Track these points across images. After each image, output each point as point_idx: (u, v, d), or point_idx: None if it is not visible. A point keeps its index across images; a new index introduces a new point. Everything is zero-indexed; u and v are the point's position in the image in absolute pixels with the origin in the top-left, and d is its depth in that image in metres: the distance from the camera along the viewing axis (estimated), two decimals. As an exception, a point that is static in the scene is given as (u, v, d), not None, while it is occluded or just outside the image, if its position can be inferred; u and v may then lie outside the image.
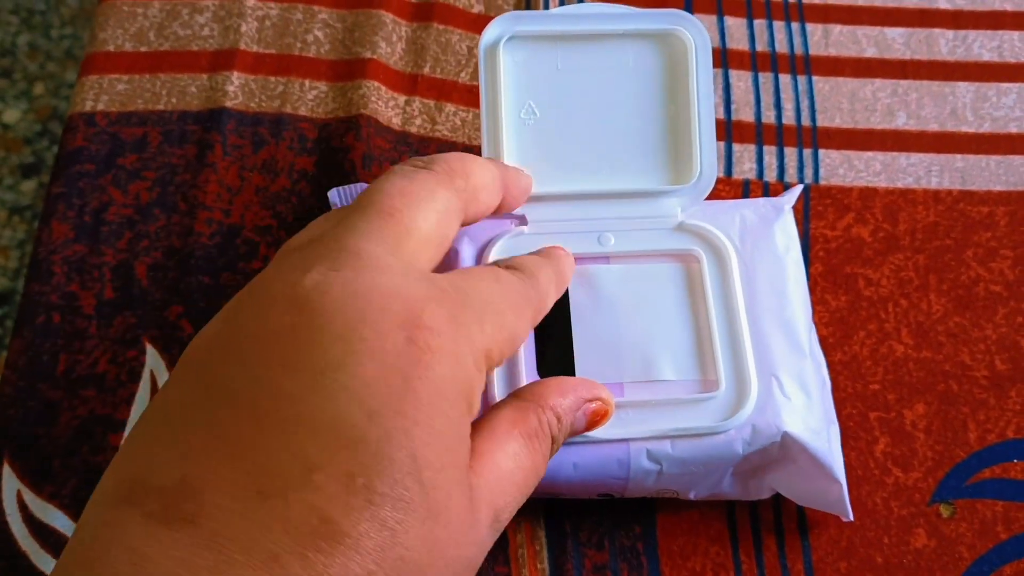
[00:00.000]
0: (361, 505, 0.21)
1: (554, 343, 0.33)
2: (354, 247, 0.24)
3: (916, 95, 0.44)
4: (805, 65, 0.45)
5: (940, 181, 0.42)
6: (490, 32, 0.34)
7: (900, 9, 0.46)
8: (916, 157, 0.43)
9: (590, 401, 0.29)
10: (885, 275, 0.40)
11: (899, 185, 0.42)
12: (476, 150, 0.41)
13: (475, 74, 0.43)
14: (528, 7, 0.46)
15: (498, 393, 0.32)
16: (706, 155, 0.35)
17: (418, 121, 0.42)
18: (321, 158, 0.41)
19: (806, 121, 0.43)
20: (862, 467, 0.37)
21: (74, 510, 0.35)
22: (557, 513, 0.35)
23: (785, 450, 0.33)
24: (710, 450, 0.32)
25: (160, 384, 0.37)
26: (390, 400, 0.22)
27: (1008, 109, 0.44)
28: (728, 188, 0.42)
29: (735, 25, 0.45)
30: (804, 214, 0.41)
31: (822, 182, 0.42)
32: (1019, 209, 0.42)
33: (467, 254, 0.34)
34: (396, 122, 0.42)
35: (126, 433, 0.36)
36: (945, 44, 0.45)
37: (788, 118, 0.43)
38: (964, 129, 0.43)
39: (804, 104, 0.44)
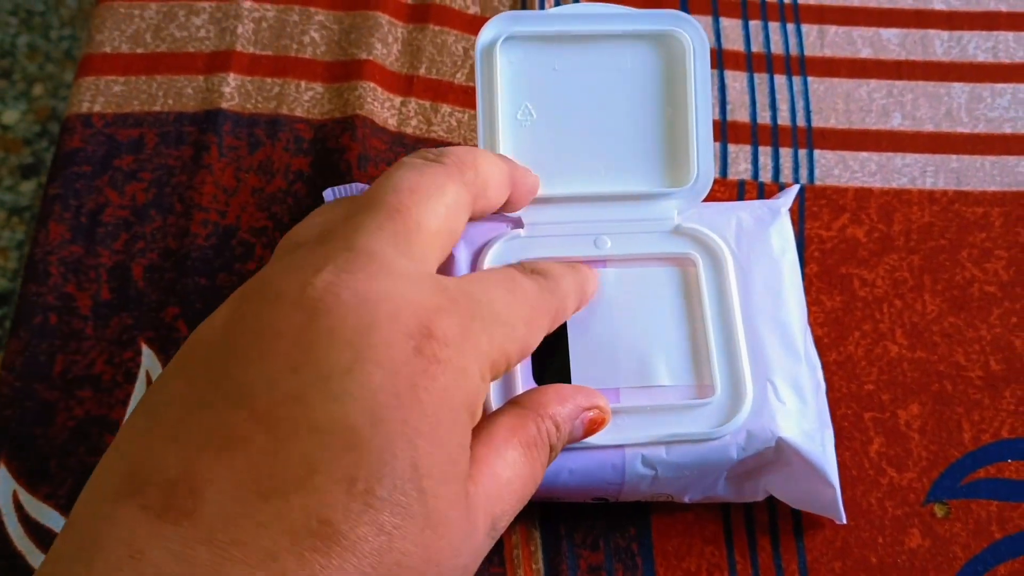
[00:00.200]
0: (360, 509, 0.21)
1: (550, 348, 0.33)
2: (365, 247, 0.24)
3: (911, 96, 0.44)
4: (800, 66, 0.45)
5: (935, 182, 0.42)
6: (486, 33, 0.34)
7: (895, 10, 0.46)
8: (911, 158, 0.43)
9: (588, 409, 0.29)
10: (880, 275, 0.40)
11: (894, 186, 0.42)
12: (472, 151, 0.41)
13: (471, 75, 0.44)
14: (524, 8, 0.46)
15: (495, 399, 0.32)
16: (703, 157, 0.35)
17: (414, 122, 0.43)
18: (317, 159, 0.41)
19: (801, 122, 0.43)
20: (857, 467, 0.37)
21: (70, 511, 0.35)
22: (552, 515, 0.35)
23: (779, 454, 0.33)
24: (705, 455, 0.32)
25: (156, 385, 0.37)
26: (395, 409, 0.22)
27: (1003, 110, 0.44)
28: (723, 189, 0.42)
29: (730, 26, 0.45)
30: (799, 215, 0.41)
31: (817, 183, 0.42)
32: (1014, 210, 0.42)
33: (462, 257, 0.34)
34: (392, 123, 0.42)
35: (122, 434, 0.36)
36: (940, 45, 0.45)
37: (783, 119, 0.43)
38: (959, 130, 0.44)
39: (799, 105, 0.44)
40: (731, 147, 0.43)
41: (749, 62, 0.45)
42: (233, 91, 0.42)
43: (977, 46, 0.45)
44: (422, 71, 0.44)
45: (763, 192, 0.42)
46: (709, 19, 0.45)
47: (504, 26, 0.34)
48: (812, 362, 0.35)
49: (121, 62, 0.43)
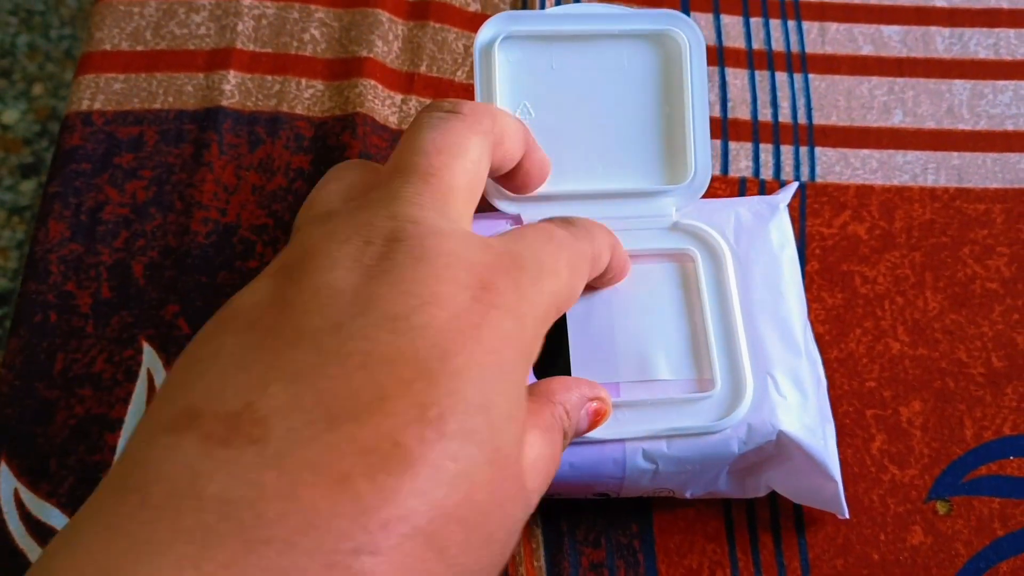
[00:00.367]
0: (434, 436, 0.21)
1: (550, 343, 0.33)
2: (408, 215, 0.24)
3: (912, 93, 0.44)
4: (801, 63, 0.45)
5: (936, 178, 0.42)
6: (485, 32, 0.34)
7: (896, 7, 0.46)
8: (912, 155, 0.43)
9: (592, 400, 0.29)
10: (881, 272, 0.40)
11: (895, 183, 0.42)
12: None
13: (471, 73, 0.43)
14: (524, 6, 0.46)
15: None
16: (700, 155, 0.35)
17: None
18: (317, 157, 0.41)
19: (802, 119, 0.43)
20: (858, 464, 0.37)
21: (71, 508, 0.35)
22: (553, 512, 0.35)
23: (781, 448, 0.33)
24: (706, 449, 0.32)
25: (157, 384, 0.37)
26: (461, 345, 0.22)
27: (1004, 106, 0.44)
28: (724, 186, 0.42)
29: (731, 23, 0.45)
30: (800, 212, 0.41)
31: (818, 180, 0.42)
32: (1015, 206, 0.42)
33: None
34: (393, 120, 0.42)
35: (123, 433, 0.36)
36: (941, 42, 0.45)
37: (784, 116, 0.43)
38: (960, 127, 0.43)
39: (800, 102, 0.44)
40: (732, 144, 0.43)
41: (750, 59, 0.45)
42: (233, 89, 0.42)
43: (978, 43, 0.45)
44: (423, 69, 0.44)
45: (764, 189, 0.42)
46: (710, 16, 0.45)
47: (503, 25, 0.34)
48: (812, 357, 0.35)
49: (121, 60, 0.43)
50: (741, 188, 0.42)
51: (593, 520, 0.35)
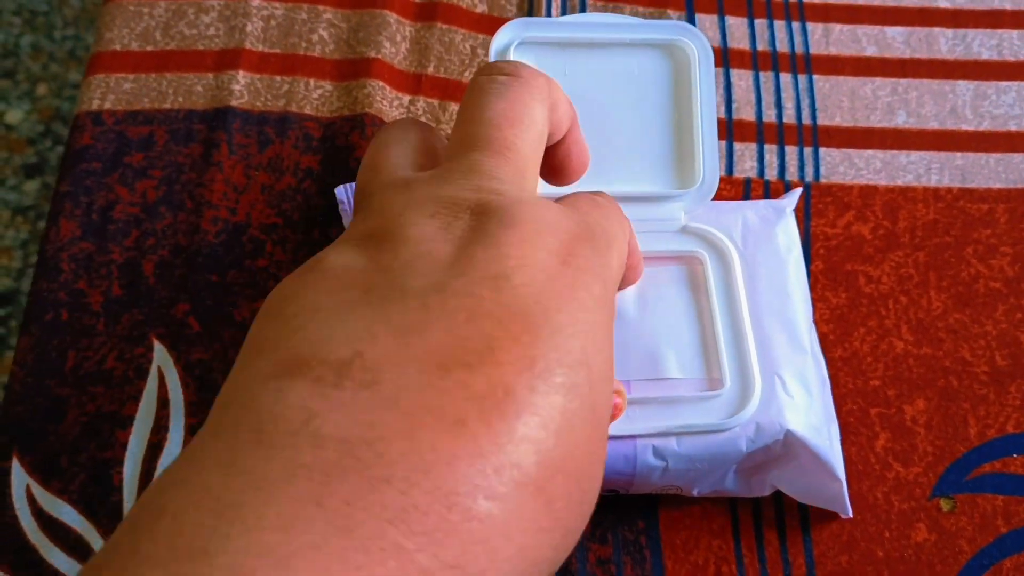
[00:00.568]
0: (543, 388, 0.21)
1: None
2: (491, 188, 0.25)
3: (916, 93, 0.44)
4: (806, 64, 0.45)
5: (940, 179, 0.43)
6: (500, 37, 0.35)
7: (900, 8, 0.46)
8: (916, 155, 0.43)
9: (613, 392, 0.30)
10: (885, 272, 0.40)
11: (899, 183, 0.42)
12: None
13: (478, 73, 0.44)
14: (531, 7, 0.46)
15: None
16: (708, 160, 0.35)
17: (422, 120, 0.43)
18: (326, 157, 0.42)
19: (807, 120, 0.44)
20: (863, 462, 0.37)
21: (82, 505, 0.35)
22: (561, 508, 0.36)
23: (787, 447, 0.33)
24: (715, 447, 0.33)
25: (168, 381, 0.37)
26: (564, 303, 0.22)
27: (1007, 107, 0.44)
28: (729, 186, 0.42)
29: (736, 24, 0.46)
30: (805, 212, 0.41)
31: (822, 180, 0.42)
32: (1018, 206, 0.42)
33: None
34: (400, 121, 0.43)
35: (133, 430, 0.36)
36: (945, 43, 0.46)
37: (789, 117, 0.44)
38: (964, 127, 0.44)
39: (805, 103, 0.44)
40: (737, 145, 0.43)
41: (755, 60, 0.45)
42: (243, 89, 0.43)
43: (982, 44, 0.46)
44: (430, 70, 0.44)
45: (768, 189, 0.42)
46: (715, 18, 0.46)
47: (518, 31, 0.35)
48: (817, 358, 0.36)
49: (131, 59, 0.43)
50: (746, 188, 0.42)
51: (600, 516, 0.36)
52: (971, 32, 0.46)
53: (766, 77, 0.44)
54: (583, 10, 0.46)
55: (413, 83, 0.44)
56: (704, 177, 0.35)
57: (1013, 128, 0.44)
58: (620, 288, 0.33)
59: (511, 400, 0.20)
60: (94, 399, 0.37)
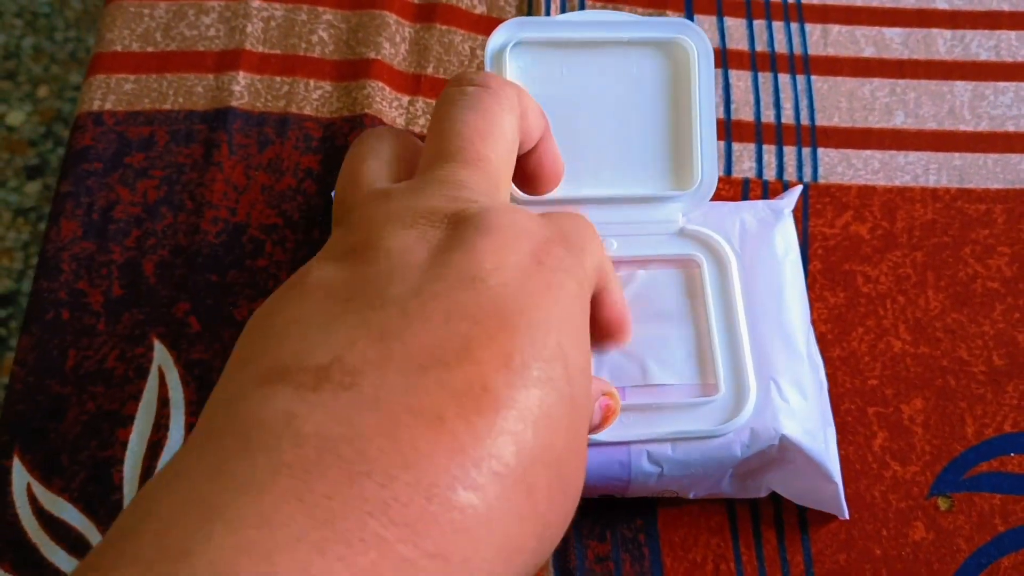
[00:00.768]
0: (520, 382, 0.22)
1: None
2: (465, 198, 0.25)
3: (914, 94, 0.45)
4: (804, 65, 0.45)
5: (938, 179, 0.43)
6: (496, 38, 0.34)
7: (898, 9, 0.46)
8: (914, 155, 0.43)
9: (604, 395, 0.30)
10: (883, 272, 0.41)
11: (897, 183, 0.43)
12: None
13: (478, 74, 0.44)
14: (530, 6, 0.46)
15: None
16: (707, 161, 0.35)
17: (421, 121, 0.43)
18: (326, 157, 0.42)
19: (805, 120, 0.44)
20: (860, 461, 0.37)
21: (83, 503, 0.35)
22: (559, 506, 0.36)
23: (783, 452, 0.33)
24: (710, 453, 0.33)
25: (168, 380, 0.37)
26: (539, 300, 0.23)
27: (1005, 108, 0.44)
28: (728, 187, 0.42)
29: (734, 25, 0.46)
30: (803, 212, 0.42)
31: (821, 180, 0.42)
32: (1016, 206, 0.42)
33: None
34: (400, 122, 0.43)
35: (134, 429, 0.37)
36: (943, 44, 0.46)
37: (787, 117, 0.44)
38: (962, 128, 0.44)
39: (803, 103, 0.44)
40: (735, 145, 0.43)
41: (753, 61, 0.45)
42: (243, 89, 0.43)
43: (980, 45, 0.46)
44: (429, 70, 0.44)
45: (767, 190, 0.42)
46: (713, 18, 0.46)
47: (513, 32, 0.34)
48: (814, 361, 0.36)
49: (131, 60, 0.44)
50: (744, 189, 0.42)
51: (598, 514, 0.36)
52: (969, 33, 0.46)
53: (764, 78, 0.45)
54: (582, 9, 0.46)
55: (412, 84, 0.44)
56: (702, 178, 0.35)
57: (1011, 128, 0.44)
58: (602, 347, 0.33)
59: (489, 395, 0.21)
60: (95, 398, 0.37)
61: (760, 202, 0.38)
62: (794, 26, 0.46)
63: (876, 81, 0.45)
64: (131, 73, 0.43)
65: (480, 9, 0.46)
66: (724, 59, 0.45)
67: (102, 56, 0.44)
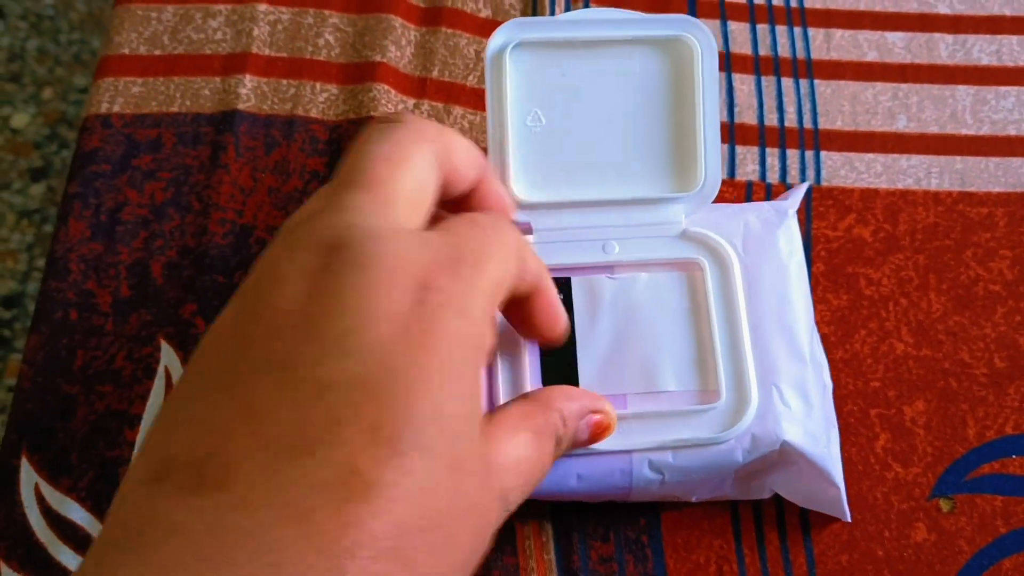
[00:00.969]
0: (387, 456, 0.21)
1: (558, 354, 0.33)
2: (347, 222, 0.25)
3: (916, 98, 0.45)
4: (807, 69, 0.45)
5: (940, 182, 0.43)
6: (496, 40, 0.34)
7: (900, 14, 0.47)
8: (916, 159, 0.43)
9: (594, 412, 0.30)
10: (886, 275, 0.41)
11: (899, 186, 0.43)
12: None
13: (483, 77, 0.44)
14: (535, 10, 0.46)
15: (504, 396, 0.33)
16: (710, 162, 0.35)
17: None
18: (332, 159, 0.42)
19: (808, 124, 0.44)
20: (863, 463, 0.37)
21: (90, 503, 0.36)
22: (563, 507, 0.36)
23: (784, 456, 0.33)
24: (711, 459, 0.33)
25: (175, 380, 0.38)
26: (409, 355, 0.22)
27: (1007, 112, 0.45)
28: (731, 190, 0.42)
29: (738, 29, 0.46)
30: (806, 215, 0.42)
31: (824, 183, 0.43)
32: (1018, 210, 0.42)
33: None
34: (405, 124, 0.43)
35: (142, 428, 0.37)
36: (945, 48, 0.46)
37: (790, 121, 0.44)
38: (963, 131, 0.44)
39: (806, 107, 0.44)
40: (739, 148, 0.43)
41: (757, 65, 0.45)
42: (249, 92, 0.43)
43: (981, 49, 0.46)
44: (435, 73, 0.44)
45: (770, 193, 0.43)
46: (717, 23, 0.46)
47: (513, 33, 0.34)
48: (819, 363, 0.36)
49: (139, 63, 0.44)
50: (748, 192, 0.43)
51: (602, 515, 0.36)
52: (971, 38, 0.46)
53: (768, 81, 0.45)
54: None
55: (418, 87, 0.44)
56: (705, 179, 0.35)
57: (1012, 133, 0.44)
58: (542, 344, 0.32)
59: (356, 480, 0.21)
60: (103, 398, 0.37)
61: (764, 203, 0.38)
62: (797, 30, 0.46)
63: (878, 85, 0.45)
64: (139, 76, 0.44)
65: (485, 12, 0.46)
66: (728, 63, 0.45)
67: (110, 59, 0.44)
